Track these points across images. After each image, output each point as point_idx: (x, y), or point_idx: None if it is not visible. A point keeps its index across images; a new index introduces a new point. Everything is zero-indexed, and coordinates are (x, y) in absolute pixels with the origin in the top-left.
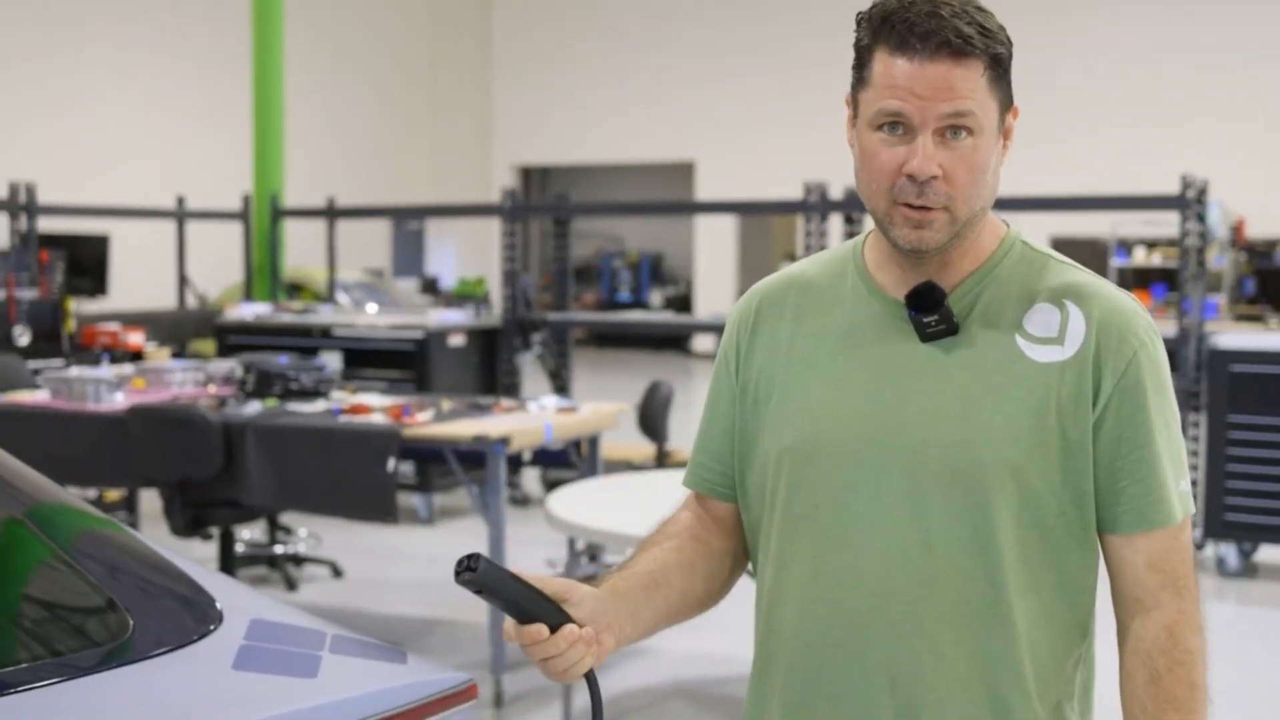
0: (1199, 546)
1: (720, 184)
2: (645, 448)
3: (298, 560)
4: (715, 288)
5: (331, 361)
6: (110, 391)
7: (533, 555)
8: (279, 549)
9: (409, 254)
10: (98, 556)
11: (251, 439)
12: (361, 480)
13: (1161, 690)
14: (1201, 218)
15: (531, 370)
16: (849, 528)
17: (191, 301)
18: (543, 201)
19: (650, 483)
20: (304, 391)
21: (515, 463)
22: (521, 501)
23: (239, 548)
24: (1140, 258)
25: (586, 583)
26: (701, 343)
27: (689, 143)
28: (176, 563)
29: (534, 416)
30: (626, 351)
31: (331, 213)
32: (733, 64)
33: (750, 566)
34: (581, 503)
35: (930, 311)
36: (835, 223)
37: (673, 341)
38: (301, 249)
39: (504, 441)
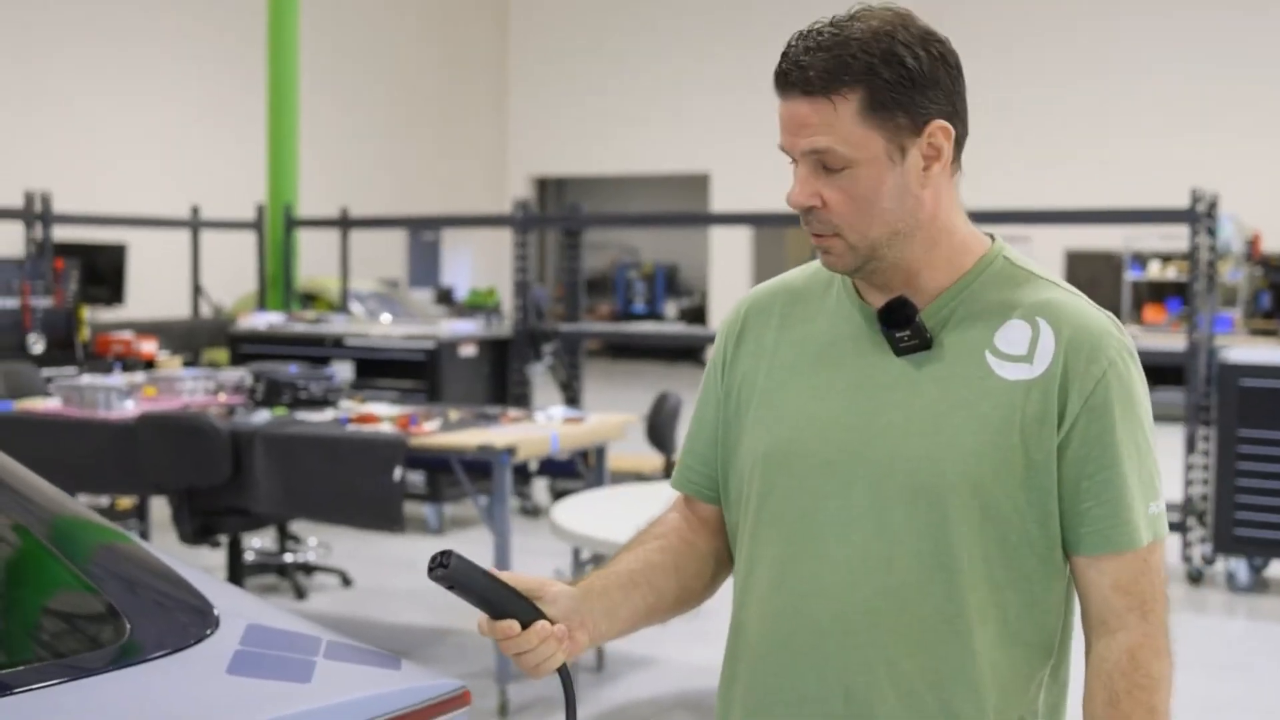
0: (1209, 561)
1: (736, 196)
2: (654, 459)
3: (307, 569)
4: (730, 299)
5: (343, 371)
6: (121, 399)
7: (540, 565)
8: (288, 558)
9: (425, 264)
10: (97, 562)
11: (259, 447)
12: (368, 489)
13: (1119, 713)
14: (1212, 231)
15: (543, 381)
16: (815, 537)
17: (206, 311)
18: (554, 213)
19: (656, 493)
20: (313, 400)
21: (524, 473)
22: (531, 512)
23: (249, 556)
24: (1155, 271)
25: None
26: None
27: (704, 154)
28: (176, 569)
29: (540, 427)
30: (640, 363)
31: (344, 223)
32: (748, 76)
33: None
34: (586, 513)
35: (902, 327)
36: None
37: (687, 353)
38: (315, 259)
39: (509, 451)
